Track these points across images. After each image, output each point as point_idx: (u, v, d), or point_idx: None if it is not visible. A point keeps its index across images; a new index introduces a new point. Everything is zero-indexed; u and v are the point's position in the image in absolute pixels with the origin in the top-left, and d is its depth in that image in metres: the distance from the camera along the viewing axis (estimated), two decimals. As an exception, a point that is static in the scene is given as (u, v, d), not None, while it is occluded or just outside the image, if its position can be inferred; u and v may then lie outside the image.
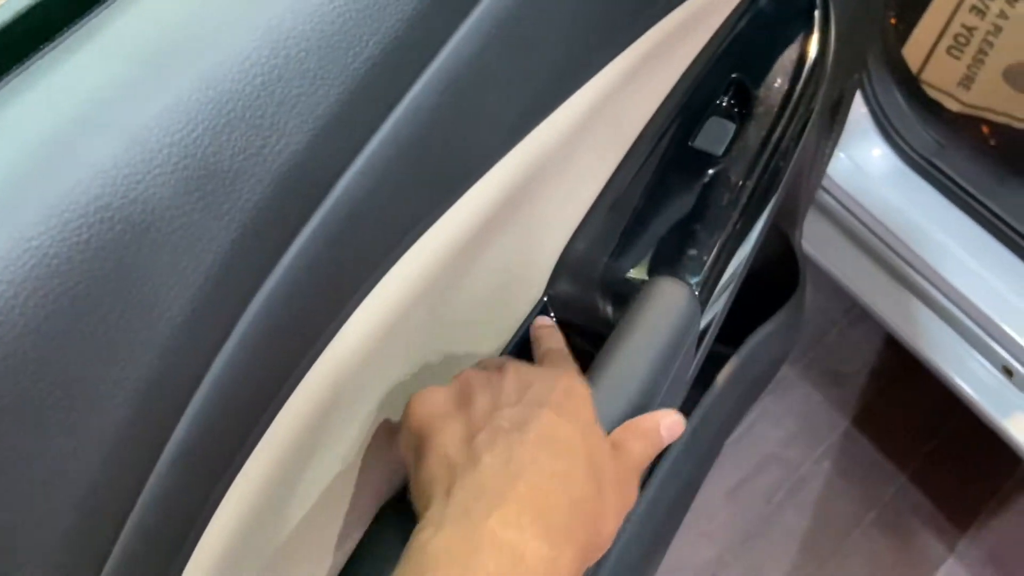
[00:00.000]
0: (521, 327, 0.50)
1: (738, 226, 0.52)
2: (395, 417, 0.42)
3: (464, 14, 0.33)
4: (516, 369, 0.40)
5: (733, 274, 0.53)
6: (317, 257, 0.30)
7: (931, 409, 1.34)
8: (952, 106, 1.25)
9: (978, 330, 0.99)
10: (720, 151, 0.53)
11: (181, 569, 0.31)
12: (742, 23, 0.55)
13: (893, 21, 1.21)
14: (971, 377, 1.01)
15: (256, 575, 0.37)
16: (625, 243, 0.52)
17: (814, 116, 0.56)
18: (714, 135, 0.54)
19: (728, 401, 0.72)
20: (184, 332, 0.27)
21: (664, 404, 0.49)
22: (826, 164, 0.94)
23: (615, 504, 0.37)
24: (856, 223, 1.10)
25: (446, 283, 0.39)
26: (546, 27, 0.36)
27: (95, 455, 0.25)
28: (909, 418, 1.36)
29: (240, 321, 0.28)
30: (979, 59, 1.26)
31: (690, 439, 0.70)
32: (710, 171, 0.53)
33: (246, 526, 0.34)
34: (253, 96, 0.27)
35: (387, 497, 0.45)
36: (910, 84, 1.10)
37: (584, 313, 0.51)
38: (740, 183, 0.52)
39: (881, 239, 1.07)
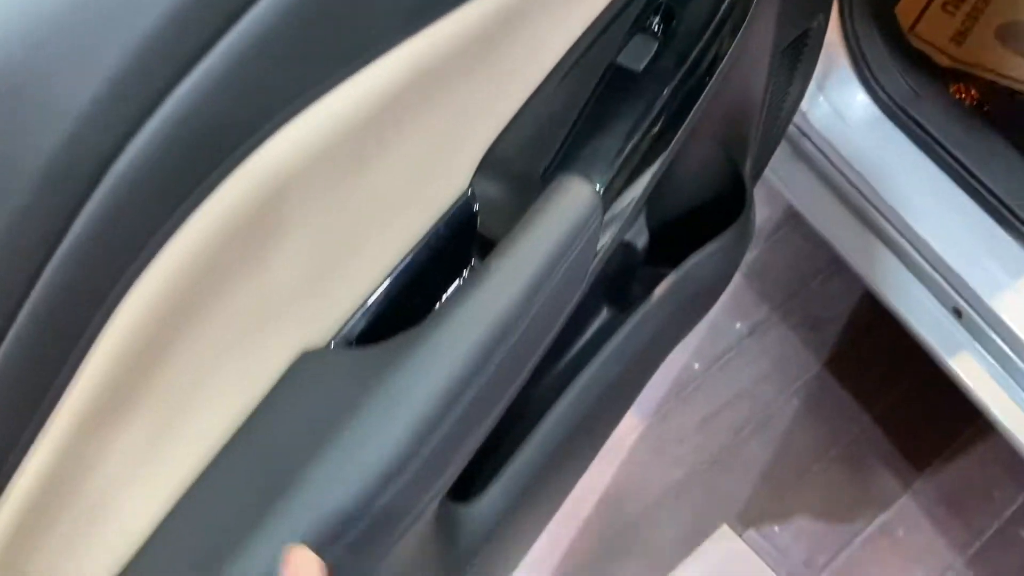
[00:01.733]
0: (439, 220, 0.56)
1: (649, 137, 0.57)
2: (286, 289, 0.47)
3: None
4: None
5: (644, 184, 0.59)
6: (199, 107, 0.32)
7: (901, 357, 1.39)
8: (943, 61, 1.28)
9: (933, 272, 1.04)
10: (640, 67, 0.59)
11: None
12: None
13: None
14: (925, 318, 1.06)
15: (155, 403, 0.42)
16: (547, 147, 0.58)
17: (737, 40, 0.61)
18: (637, 52, 0.59)
19: (661, 315, 0.78)
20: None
21: (559, 300, 0.54)
22: (793, 105, 0.99)
23: None
24: (829, 167, 1.14)
25: (362, 152, 0.45)
26: None
27: None
28: (879, 364, 1.41)
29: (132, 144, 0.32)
30: (973, 16, 1.28)
31: (619, 345, 0.76)
32: (629, 86, 0.58)
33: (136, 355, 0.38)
34: None
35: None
36: (895, 34, 1.13)
37: (505, 211, 0.57)
38: (655, 98, 0.58)
39: (851, 182, 1.12)
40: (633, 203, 0.59)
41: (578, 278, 0.56)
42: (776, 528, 1.31)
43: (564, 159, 0.57)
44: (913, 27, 1.28)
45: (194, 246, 0.36)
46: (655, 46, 0.59)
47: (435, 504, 0.58)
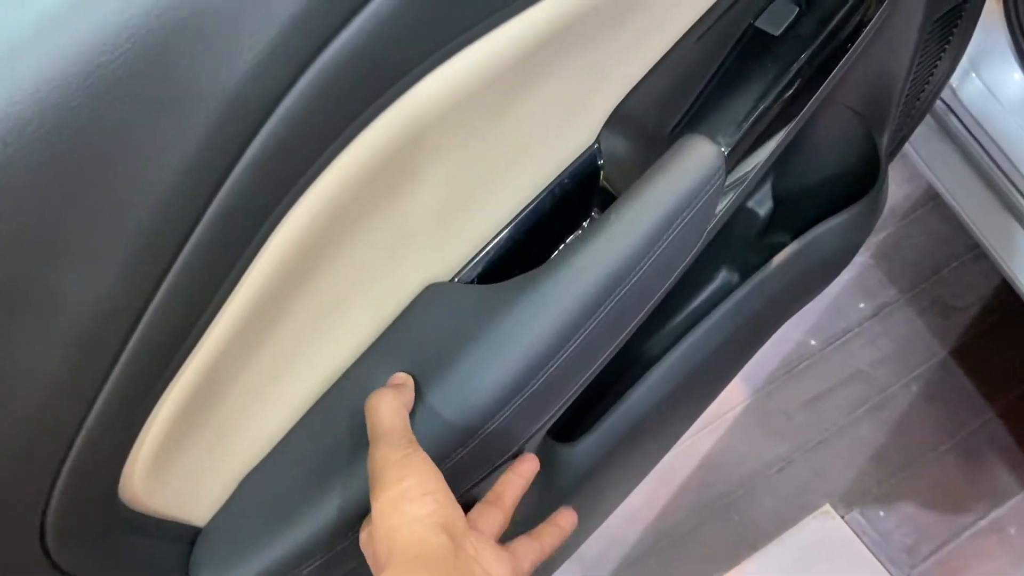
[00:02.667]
0: (564, 170, 0.58)
1: (780, 103, 0.58)
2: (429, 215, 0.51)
3: None
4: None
5: (770, 150, 0.59)
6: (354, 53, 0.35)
7: (1035, 353, 1.33)
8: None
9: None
10: (778, 32, 0.59)
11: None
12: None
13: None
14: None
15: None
16: (678, 106, 0.59)
17: (882, 9, 0.60)
18: (777, 16, 0.59)
19: (778, 283, 0.78)
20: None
21: (674, 256, 0.56)
22: (941, 80, 0.95)
23: None
24: (978, 148, 1.09)
25: (502, 99, 0.48)
26: None
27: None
28: (1009, 358, 1.35)
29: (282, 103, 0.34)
30: None
31: (732, 308, 0.77)
32: (764, 49, 0.59)
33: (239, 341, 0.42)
34: None
35: None
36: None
37: (630, 167, 0.59)
38: (789, 64, 0.58)
39: (999, 166, 1.07)
40: (757, 168, 0.59)
41: (695, 237, 0.57)
42: (881, 513, 1.29)
43: (692, 119, 0.58)
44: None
45: (344, 177, 0.40)
46: (795, 11, 0.59)
47: (538, 439, 0.61)
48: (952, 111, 1.12)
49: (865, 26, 0.60)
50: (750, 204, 0.86)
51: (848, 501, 1.30)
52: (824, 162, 0.86)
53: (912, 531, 1.27)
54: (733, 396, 1.40)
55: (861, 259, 1.48)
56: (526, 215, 0.57)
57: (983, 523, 1.26)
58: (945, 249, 1.45)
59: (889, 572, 1.24)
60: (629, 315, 0.57)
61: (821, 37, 0.58)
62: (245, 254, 0.38)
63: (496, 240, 0.57)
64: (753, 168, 0.59)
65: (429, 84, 0.41)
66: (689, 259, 0.59)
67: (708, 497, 1.35)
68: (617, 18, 0.51)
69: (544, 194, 0.58)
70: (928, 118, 1.16)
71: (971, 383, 1.35)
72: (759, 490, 1.35)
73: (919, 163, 1.20)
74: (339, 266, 0.46)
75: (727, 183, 0.57)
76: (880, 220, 1.54)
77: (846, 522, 1.28)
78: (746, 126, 0.57)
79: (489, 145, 0.51)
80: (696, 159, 0.55)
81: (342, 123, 0.38)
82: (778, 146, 0.59)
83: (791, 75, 0.58)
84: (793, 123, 0.59)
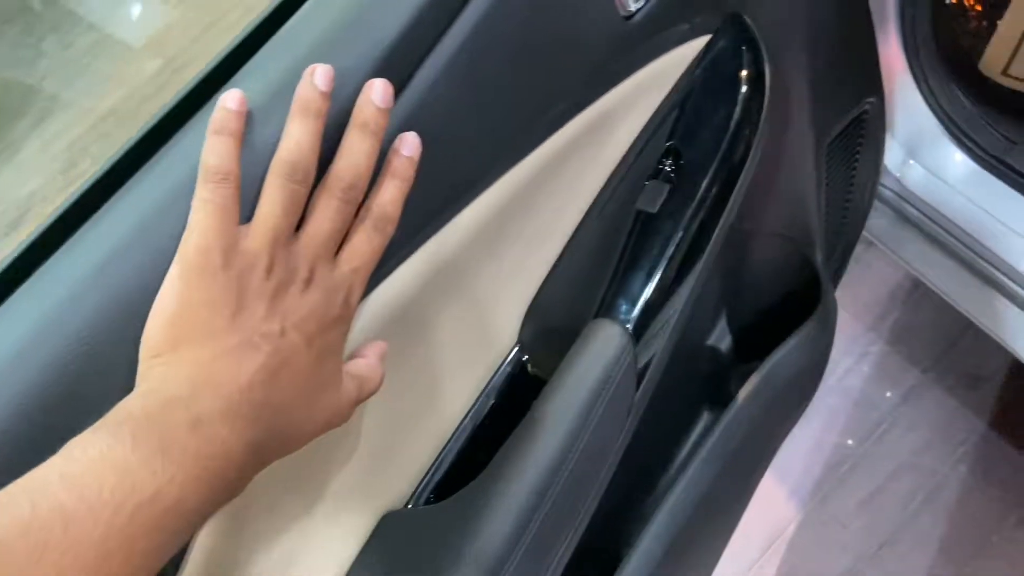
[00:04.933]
0: (495, 374, 0.63)
1: (670, 273, 0.63)
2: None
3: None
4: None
5: (672, 314, 0.64)
6: None
7: (1074, 406, 1.30)
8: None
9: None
10: (655, 209, 0.65)
11: None
12: (680, 95, 0.66)
13: (974, 22, 1.23)
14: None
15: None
16: (581, 295, 0.65)
17: (748, 166, 0.66)
18: (652, 196, 0.65)
19: (750, 414, 0.81)
20: None
21: (603, 434, 0.60)
22: (868, 186, 1.00)
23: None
24: (938, 229, 1.12)
25: (427, 311, 0.54)
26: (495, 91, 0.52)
27: None
28: (1049, 416, 1.32)
29: None
30: (1072, 45, 1.23)
31: (712, 450, 0.79)
32: (648, 228, 0.65)
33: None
34: None
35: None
36: (979, 88, 1.11)
37: (554, 353, 0.64)
38: (671, 236, 0.64)
39: (961, 242, 1.09)
40: (668, 330, 0.64)
41: (622, 410, 0.61)
42: (962, 607, 1.24)
43: (600, 303, 0.64)
44: (1006, 69, 1.25)
45: None
46: (667, 188, 0.66)
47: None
48: (905, 200, 1.16)
49: (733, 186, 0.66)
50: (710, 342, 0.90)
51: (926, 602, 1.25)
52: (770, 290, 0.90)
53: (999, 621, 1.21)
54: (784, 514, 1.38)
55: (877, 348, 1.48)
56: (465, 425, 0.62)
57: (1071, 597, 1.20)
58: (955, 321, 1.45)
59: (987, 671, 1.17)
60: (579, 493, 0.60)
61: (691, 207, 0.64)
62: None
63: (442, 455, 0.62)
64: (663, 331, 0.64)
65: None
66: (628, 426, 0.63)
67: (784, 627, 1.31)
68: (514, 226, 0.57)
69: (479, 400, 0.63)
70: (886, 209, 1.20)
71: (1018, 451, 1.32)
72: (833, 609, 1.30)
73: (892, 256, 1.23)
74: (285, 516, 0.51)
75: (644, 351, 0.62)
76: (885, 304, 1.56)
77: (929, 625, 1.23)
78: (644, 300, 0.62)
79: (415, 367, 0.57)
80: (604, 341, 0.60)
81: None
82: (683, 307, 0.64)
83: (672, 247, 0.64)
84: (692, 283, 0.64)
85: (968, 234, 1.07)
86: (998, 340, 1.09)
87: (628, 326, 0.61)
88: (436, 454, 0.62)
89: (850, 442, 1.42)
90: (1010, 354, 1.45)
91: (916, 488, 1.35)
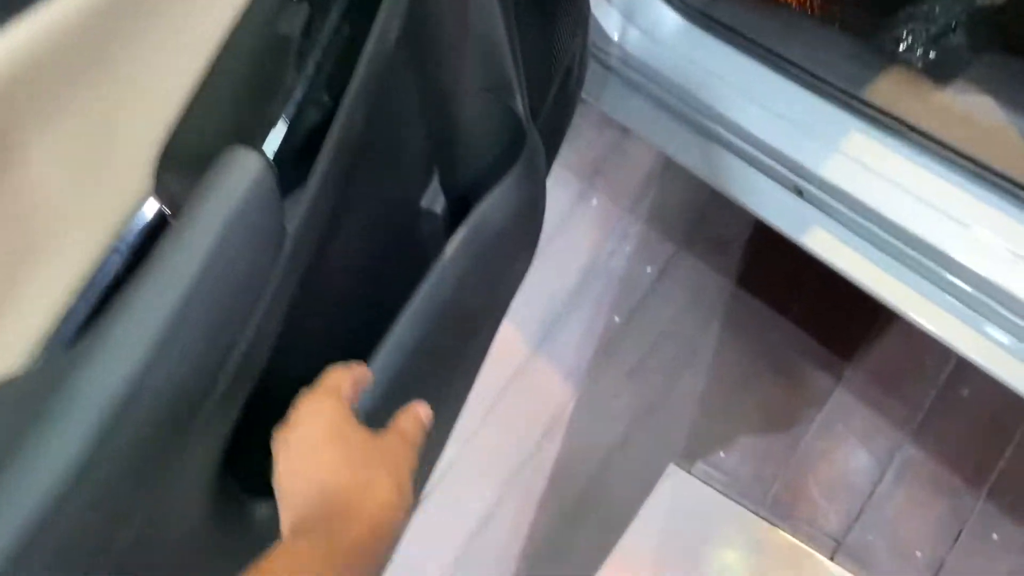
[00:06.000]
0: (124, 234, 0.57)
1: (302, 99, 0.59)
2: None
3: None
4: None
5: (333, 140, 0.60)
6: None
7: (807, 257, 1.38)
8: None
9: (771, 161, 1.04)
10: (297, 34, 0.60)
11: None
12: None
13: None
14: (773, 204, 1.06)
15: None
16: (225, 127, 0.60)
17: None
18: (292, 18, 0.61)
19: (462, 266, 0.79)
20: None
21: (241, 268, 0.55)
22: (572, 39, 0.99)
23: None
24: (656, 88, 1.15)
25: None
26: None
27: None
28: (786, 271, 1.40)
29: None
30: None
31: (422, 302, 0.77)
32: (288, 52, 0.60)
33: None
34: None
35: None
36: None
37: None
38: (312, 60, 0.60)
39: (677, 96, 1.12)
40: (327, 160, 0.60)
41: (266, 240, 0.57)
42: (722, 454, 1.30)
43: (239, 135, 0.59)
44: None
45: None
46: (308, 10, 0.61)
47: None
48: (629, 65, 1.18)
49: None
50: (424, 205, 0.87)
51: (690, 454, 1.31)
52: (481, 145, 0.88)
53: (754, 460, 1.29)
54: (562, 396, 1.41)
55: (636, 228, 1.52)
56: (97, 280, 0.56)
57: (814, 427, 1.28)
58: (701, 193, 1.51)
59: (746, 507, 1.24)
60: (221, 329, 0.55)
61: (331, 29, 0.60)
62: None
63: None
64: (323, 162, 0.59)
65: None
66: (287, 258, 0.58)
67: (567, 503, 1.34)
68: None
69: (108, 258, 0.57)
70: (615, 77, 1.22)
71: (763, 303, 1.40)
72: (610, 477, 1.34)
73: (625, 121, 1.26)
74: None
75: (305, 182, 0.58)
76: (642, 187, 1.60)
77: (693, 475, 1.28)
78: (287, 126, 0.58)
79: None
80: (235, 169, 0.55)
81: None
82: (341, 132, 0.60)
83: (315, 71, 0.59)
84: (345, 112, 0.61)
85: (685, 90, 1.10)
86: (732, 199, 1.13)
87: (267, 154, 0.57)
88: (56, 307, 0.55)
89: (617, 319, 1.45)
90: (750, 216, 1.53)
91: (677, 352, 1.40)
